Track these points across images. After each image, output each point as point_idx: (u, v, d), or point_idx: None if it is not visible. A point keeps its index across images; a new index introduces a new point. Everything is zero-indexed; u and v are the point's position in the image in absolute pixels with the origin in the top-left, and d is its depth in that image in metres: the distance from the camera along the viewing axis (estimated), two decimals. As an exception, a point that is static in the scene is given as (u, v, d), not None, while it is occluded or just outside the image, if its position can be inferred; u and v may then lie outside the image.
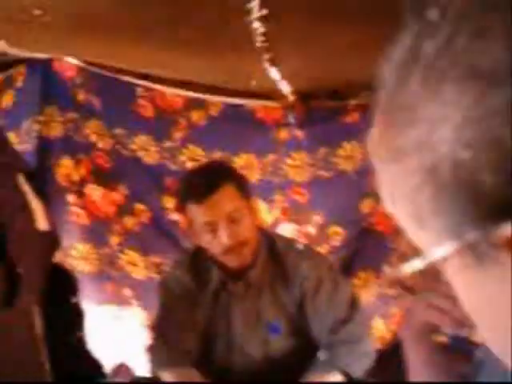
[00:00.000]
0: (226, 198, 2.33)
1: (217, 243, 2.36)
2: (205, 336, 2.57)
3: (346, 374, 2.40)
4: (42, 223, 2.30)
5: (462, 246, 0.48)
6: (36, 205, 2.34)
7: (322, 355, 2.53)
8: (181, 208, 2.46)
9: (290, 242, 2.67)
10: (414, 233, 0.55)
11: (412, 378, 1.45)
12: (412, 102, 0.49)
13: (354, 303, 2.54)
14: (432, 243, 0.52)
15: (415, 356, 1.43)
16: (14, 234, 1.90)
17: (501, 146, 0.44)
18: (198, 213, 2.34)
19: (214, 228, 2.33)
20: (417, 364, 1.43)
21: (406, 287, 1.34)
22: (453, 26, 0.47)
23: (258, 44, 2.70)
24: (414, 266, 0.54)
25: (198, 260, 2.60)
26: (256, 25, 2.42)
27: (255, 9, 2.26)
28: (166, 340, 2.52)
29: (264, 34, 2.61)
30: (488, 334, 0.56)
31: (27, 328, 2.02)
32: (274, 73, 3.12)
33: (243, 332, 2.56)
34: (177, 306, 2.56)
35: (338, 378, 2.39)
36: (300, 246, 2.64)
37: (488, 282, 0.50)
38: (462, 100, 0.45)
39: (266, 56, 2.89)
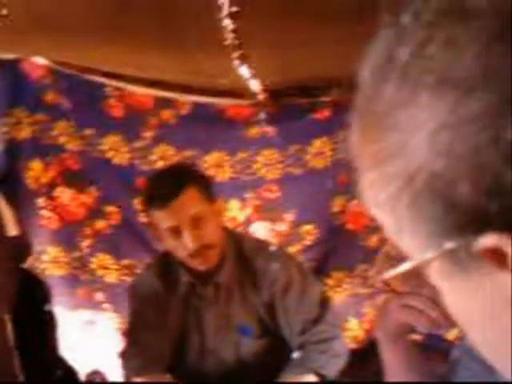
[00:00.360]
0: (189, 202, 2.31)
1: (182, 247, 2.34)
2: (177, 340, 2.55)
3: (319, 375, 2.40)
4: (11, 228, 2.25)
5: (441, 254, 0.49)
6: (5, 210, 2.29)
7: (295, 356, 2.52)
8: (145, 212, 2.44)
9: (258, 244, 2.66)
10: (395, 237, 0.54)
11: (389, 377, 1.44)
12: (388, 108, 0.50)
13: (324, 303, 2.53)
14: (413, 249, 0.52)
15: (391, 356, 1.42)
16: None
17: (476, 154, 0.44)
18: (162, 218, 2.32)
19: (177, 232, 2.31)
20: (393, 364, 1.42)
21: (390, 288, 1.33)
22: (425, 32, 0.47)
23: (229, 41, 2.67)
24: (399, 269, 0.53)
25: (166, 263, 2.58)
26: (226, 22, 2.39)
27: (225, 5, 2.24)
28: (138, 345, 2.50)
29: (234, 31, 2.59)
30: (476, 337, 0.56)
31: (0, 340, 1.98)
32: (244, 71, 3.09)
33: (215, 335, 2.54)
34: (147, 311, 2.54)
35: (312, 379, 2.39)
36: (269, 248, 2.62)
37: (475, 290, 0.51)
38: (436, 107, 0.45)
39: (236, 54, 2.86)
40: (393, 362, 1.42)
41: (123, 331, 2.66)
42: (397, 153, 0.48)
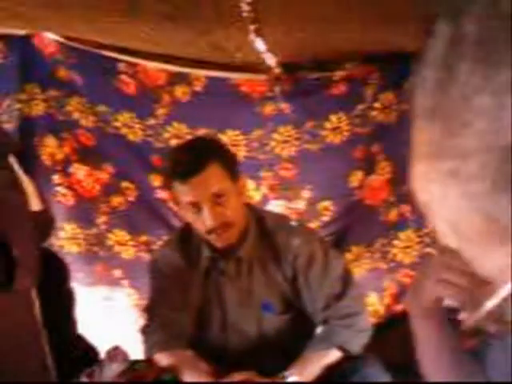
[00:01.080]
0: (212, 179, 2.29)
1: (200, 223, 2.32)
2: (199, 315, 2.54)
3: (343, 350, 2.39)
4: (34, 203, 2.24)
5: None
6: (28, 185, 2.28)
7: (318, 332, 2.51)
8: (167, 185, 2.41)
9: (280, 219, 2.64)
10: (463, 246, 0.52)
11: (421, 353, 1.42)
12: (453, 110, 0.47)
13: (347, 278, 2.52)
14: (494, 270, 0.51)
15: (424, 331, 1.40)
16: (8, 215, 1.84)
17: None
18: (183, 192, 2.30)
19: (198, 208, 2.29)
20: (426, 340, 1.41)
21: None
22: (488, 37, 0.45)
23: (245, 14, 2.64)
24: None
25: (186, 238, 2.57)
26: (245, -6, 2.36)
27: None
28: (159, 321, 2.49)
29: (250, 4, 2.55)
30: None
31: (26, 311, 1.98)
32: (259, 44, 3.05)
33: (237, 310, 2.53)
34: (168, 287, 2.53)
35: (336, 354, 2.38)
36: (291, 223, 2.61)
37: None
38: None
39: (252, 27, 2.83)
40: (424, 338, 1.41)
41: (144, 307, 2.64)
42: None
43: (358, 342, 2.43)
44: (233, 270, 2.50)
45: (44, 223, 2.48)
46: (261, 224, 2.51)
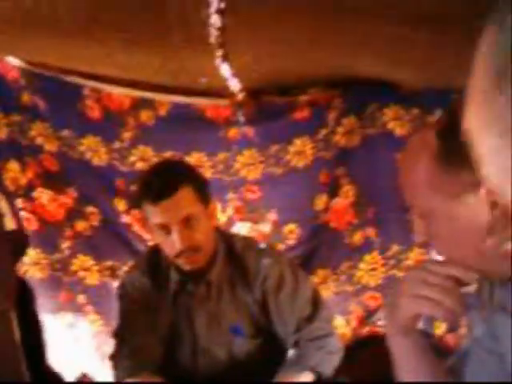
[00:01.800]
0: (183, 202, 2.29)
1: (169, 246, 2.32)
2: (168, 340, 2.52)
3: (316, 373, 2.39)
4: (9, 222, 2.20)
5: None
6: (2, 203, 2.25)
7: (290, 354, 2.51)
8: (137, 205, 2.41)
9: (249, 242, 2.65)
10: None
11: (400, 371, 1.43)
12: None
13: (317, 300, 2.53)
14: None
15: (402, 350, 1.41)
16: None
17: None
18: (153, 214, 2.31)
19: (167, 230, 2.30)
20: (404, 358, 1.42)
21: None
22: None
23: (212, 39, 2.66)
24: None
25: (154, 261, 2.56)
26: (214, 19, 2.37)
27: (214, 2, 2.22)
28: (128, 347, 2.47)
29: (219, 29, 2.57)
30: None
31: (5, 333, 1.94)
32: (225, 69, 3.07)
33: (207, 334, 2.53)
34: (137, 311, 2.52)
35: (309, 377, 2.38)
36: (259, 245, 2.62)
37: None
38: None
39: (219, 52, 2.85)
40: (402, 356, 1.42)
41: (112, 332, 2.61)
42: None
43: (329, 365, 2.44)
44: (202, 293, 2.50)
45: (19, 243, 2.45)
46: (229, 247, 2.52)
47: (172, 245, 2.31)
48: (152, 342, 2.47)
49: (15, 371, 1.95)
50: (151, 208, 2.29)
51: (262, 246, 2.61)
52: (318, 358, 2.41)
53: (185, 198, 2.29)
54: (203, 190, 2.39)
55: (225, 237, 2.56)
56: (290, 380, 2.36)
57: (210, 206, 2.42)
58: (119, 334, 2.55)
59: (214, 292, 2.49)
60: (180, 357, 2.56)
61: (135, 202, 2.45)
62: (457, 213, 1.24)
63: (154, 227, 2.33)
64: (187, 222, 2.29)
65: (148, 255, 2.62)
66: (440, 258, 1.41)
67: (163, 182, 2.29)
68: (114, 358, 2.51)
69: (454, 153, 1.19)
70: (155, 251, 2.56)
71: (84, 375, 2.43)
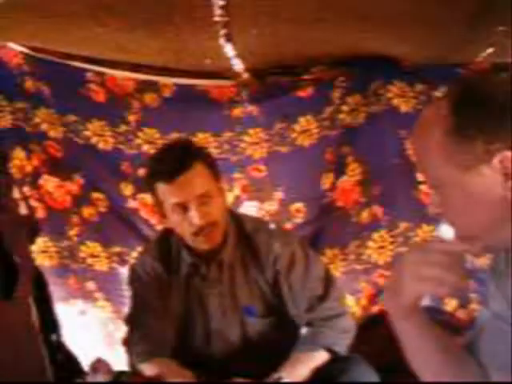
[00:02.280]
0: (197, 178, 2.28)
1: (187, 224, 2.30)
2: (181, 323, 2.52)
3: (330, 351, 2.38)
4: (22, 208, 2.21)
5: None
6: (14, 189, 2.24)
7: (303, 334, 2.50)
8: (149, 188, 2.38)
9: (258, 222, 2.64)
10: None
11: (408, 354, 1.42)
12: None
13: (329, 279, 2.52)
14: None
15: (408, 333, 1.39)
16: (4, 220, 1.81)
17: None
18: (168, 193, 2.29)
19: (184, 209, 2.28)
20: (410, 341, 1.40)
21: None
22: None
23: (217, 18, 2.65)
24: None
25: (165, 245, 2.54)
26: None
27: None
28: (141, 331, 2.46)
29: (223, 7, 2.56)
30: None
31: (25, 317, 1.94)
32: (229, 50, 3.06)
33: (219, 316, 2.52)
34: (149, 295, 2.51)
35: (323, 355, 2.37)
36: (269, 226, 2.61)
37: None
38: None
39: (223, 31, 2.84)
40: (409, 339, 1.40)
41: (125, 317, 2.61)
42: None
43: (343, 343, 2.43)
44: (214, 275, 2.49)
45: (32, 228, 2.45)
46: (239, 227, 2.51)
47: (190, 223, 2.29)
48: (165, 327, 2.46)
49: (35, 357, 1.95)
50: (166, 187, 2.28)
51: (273, 226, 2.60)
52: (332, 336, 2.40)
53: (199, 175, 2.28)
54: (214, 167, 2.38)
55: (235, 217, 2.55)
56: (305, 358, 2.36)
57: (221, 183, 2.41)
58: (132, 319, 2.54)
59: (226, 273, 2.48)
60: (193, 339, 2.55)
61: (146, 185, 2.42)
62: (470, 184, 1.24)
63: (169, 208, 2.31)
64: (203, 198, 2.28)
65: (158, 240, 2.61)
66: (450, 231, 1.40)
67: (176, 159, 2.28)
68: (127, 343, 2.50)
69: (468, 125, 1.21)
70: (165, 236, 2.55)
71: (99, 360, 2.42)
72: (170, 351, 2.43)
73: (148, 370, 2.38)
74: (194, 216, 2.26)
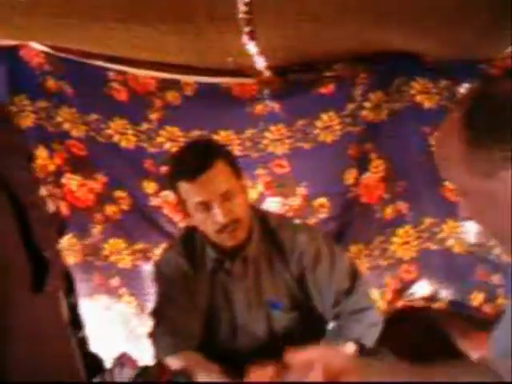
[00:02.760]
0: (220, 176, 2.28)
1: (211, 222, 2.30)
2: (207, 318, 2.52)
3: (358, 344, 2.38)
4: (49, 205, 2.21)
5: None
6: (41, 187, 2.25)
7: (330, 328, 2.49)
8: (171, 187, 2.38)
9: (282, 218, 2.65)
10: None
11: None
12: None
13: (354, 273, 2.51)
14: None
15: None
16: (35, 216, 1.81)
17: None
18: (191, 192, 2.28)
19: (208, 207, 2.28)
20: None
21: None
22: None
23: (240, 15, 2.64)
24: None
25: (190, 241, 2.54)
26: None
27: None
28: (167, 325, 2.46)
29: (247, 4, 2.55)
30: None
31: (55, 312, 1.95)
32: (251, 47, 3.06)
33: (245, 311, 2.51)
34: (174, 290, 2.51)
35: (351, 348, 2.36)
36: (294, 222, 2.60)
37: None
38: None
39: (246, 29, 2.83)
40: None
41: (150, 311, 2.61)
42: None
43: (370, 336, 2.42)
44: (239, 270, 2.48)
45: (59, 225, 2.45)
46: (264, 223, 2.50)
47: (214, 221, 2.29)
48: (190, 321, 2.46)
49: (64, 352, 1.96)
50: (188, 186, 2.28)
51: (297, 222, 2.60)
52: (360, 330, 2.39)
53: (221, 173, 2.28)
54: (235, 164, 2.38)
55: (258, 214, 2.54)
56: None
57: (242, 180, 2.41)
58: (157, 314, 2.54)
59: (251, 268, 2.48)
60: (219, 334, 2.55)
61: (169, 184, 2.42)
62: (494, 189, 1.27)
63: (192, 207, 2.31)
64: (226, 196, 2.28)
65: (183, 236, 2.61)
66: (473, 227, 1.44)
67: (197, 158, 2.28)
68: (153, 336, 2.50)
69: (482, 136, 1.23)
70: (190, 232, 2.55)
71: (124, 355, 2.43)
72: (196, 345, 2.43)
73: (174, 363, 2.37)
74: (218, 214, 2.26)
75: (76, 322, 2.56)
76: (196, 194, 2.27)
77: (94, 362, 2.66)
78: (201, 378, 2.30)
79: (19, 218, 1.78)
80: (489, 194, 1.27)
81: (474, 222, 1.39)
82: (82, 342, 2.55)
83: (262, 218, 2.52)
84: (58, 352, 1.87)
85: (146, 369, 2.41)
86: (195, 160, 2.27)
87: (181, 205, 2.39)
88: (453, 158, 1.29)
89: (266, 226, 2.50)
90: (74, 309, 2.57)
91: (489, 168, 1.24)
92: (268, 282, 2.49)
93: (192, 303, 2.49)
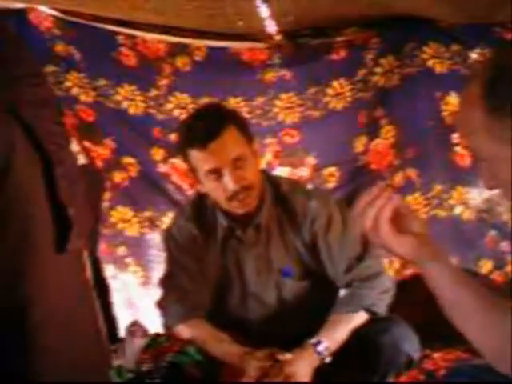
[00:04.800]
0: (230, 143, 2.25)
1: (222, 190, 2.28)
2: (218, 285, 2.50)
3: (370, 312, 2.37)
4: (82, 158, 2.17)
5: None
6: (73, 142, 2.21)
7: (342, 295, 2.48)
8: (181, 155, 2.36)
9: (295, 183, 2.61)
10: None
11: (445, 305, 1.40)
12: None
13: (366, 239, 2.48)
14: None
15: (438, 276, 1.39)
16: (62, 171, 1.79)
17: None
18: (201, 159, 2.26)
19: (218, 174, 2.25)
20: (443, 286, 1.39)
21: None
22: None
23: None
24: None
25: (201, 208, 2.52)
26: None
27: None
28: (176, 293, 2.45)
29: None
30: None
31: (78, 272, 1.93)
32: (263, 11, 3.02)
33: (256, 278, 2.50)
34: (184, 258, 2.49)
35: (363, 316, 2.36)
36: (306, 187, 2.58)
37: None
38: None
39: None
40: (441, 283, 1.40)
41: (159, 279, 2.59)
42: None
43: (383, 303, 2.41)
44: (251, 237, 2.46)
45: (94, 178, 2.41)
46: (276, 189, 2.48)
47: (225, 188, 2.27)
48: (200, 287, 2.45)
49: (89, 312, 1.95)
50: (199, 154, 2.25)
51: (309, 187, 2.58)
52: (372, 297, 2.38)
53: (231, 139, 2.25)
54: (246, 130, 2.35)
55: (270, 179, 2.52)
56: (345, 320, 2.34)
57: (254, 145, 2.39)
58: (166, 282, 2.53)
59: (262, 236, 2.46)
60: (230, 302, 2.54)
61: (179, 152, 2.39)
62: None
63: (202, 174, 2.29)
64: (237, 163, 2.25)
65: (193, 203, 2.58)
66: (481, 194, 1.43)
67: (207, 124, 2.25)
68: (161, 304, 2.49)
69: (502, 103, 1.20)
70: (200, 199, 2.52)
71: (135, 323, 2.42)
72: (205, 312, 2.43)
73: (184, 331, 2.38)
74: (229, 181, 2.24)
75: (101, 285, 2.54)
76: (206, 161, 2.25)
77: (113, 328, 2.66)
78: (211, 347, 2.31)
79: (46, 173, 1.76)
80: (509, 161, 1.24)
81: (497, 189, 1.37)
82: (106, 306, 2.53)
83: (274, 183, 2.49)
84: (80, 311, 1.86)
85: (155, 337, 2.39)
86: (205, 127, 2.25)
87: (191, 172, 2.36)
88: (475, 125, 1.26)
89: (279, 191, 2.47)
90: (98, 271, 2.55)
91: (509, 135, 1.21)
92: (279, 249, 2.47)
93: (201, 270, 2.47)
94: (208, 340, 2.33)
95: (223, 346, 2.32)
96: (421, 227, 1.43)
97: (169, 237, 2.57)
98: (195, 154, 2.27)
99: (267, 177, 2.52)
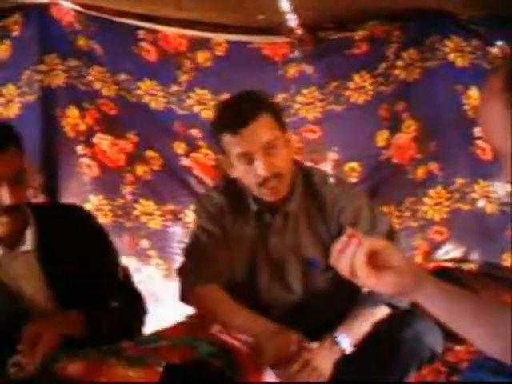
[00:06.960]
0: (263, 129, 2.25)
1: (253, 175, 2.28)
2: (246, 267, 2.50)
3: (392, 306, 2.36)
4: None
5: None
6: None
7: (364, 291, 2.47)
8: (215, 139, 2.36)
9: (326, 175, 2.60)
10: None
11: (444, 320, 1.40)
12: None
13: (392, 234, 2.47)
14: None
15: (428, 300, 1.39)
16: None
17: None
18: (234, 143, 2.27)
19: (249, 159, 2.26)
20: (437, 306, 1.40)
21: None
22: None
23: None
24: None
25: (233, 186, 2.51)
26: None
27: None
28: (197, 260, 2.44)
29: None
30: None
31: None
32: (284, 4, 3.02)
33: (281, 265, 2.48)
34: (211, 225, 2.48)
35: (385, 310, 2.34)
36: (335, 179, 2.57)
37: None
38: None
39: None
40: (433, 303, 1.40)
41: (185, 246, 2.58)
42: None
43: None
44: (279, 224, 2.46)
45: None
46: (307, 179, 2.48)
47: (255, 173, 2.27)
48: (221, 256, 2.43)
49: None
50: (231, 138, 2.26)
51: (338, 179, 2.57)
52: (393, 293, 2.37)
53: (264, 125, 2.25)
54: (280, 117, 2.36)
55: (302, 168, 2.51)
56: (366, 314, 2.34)
57: (286, 134, 2.39)
58: (190, 248, 2.53)
59: (291, 223, 2.45)
60: (258, 283, 2.53)
61: (212, 135, 2.39)
62: None
63: (234, 158, 2.30)
64: (269, 149, 2.25)
65: (226, 182, 2.57)
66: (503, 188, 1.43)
67: (242, 110, 2.26)
68: (182, 270, 2.49)
69: None
70: (232, 181, 2.52)
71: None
72: (224, 280, 2.41)
73: (202, 295, 2.37)
74: (259, 166, 2.24)
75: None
76: (238, 145, 2.25)
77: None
78: (231, 317, 2.30)
79: None
80: None
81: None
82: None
83: (305, 173, 2.49)
84: None
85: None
86: (239, 112, 2.25)
87: (224, 156, 2.37)
88: (495, 119, 1.26)
89: (309, 181, 2.47)
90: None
91: None
92: (307, 238, 2.46)
93: (228, 241, 2.48)
94: (227, 309, 2.34)
95: (246, 318, 2.31)
96: (399, 259, 1.42)
97: (200, 206, 2.57)
98: (228, 139, 2.28)
99: (299, 166, 2.52)
